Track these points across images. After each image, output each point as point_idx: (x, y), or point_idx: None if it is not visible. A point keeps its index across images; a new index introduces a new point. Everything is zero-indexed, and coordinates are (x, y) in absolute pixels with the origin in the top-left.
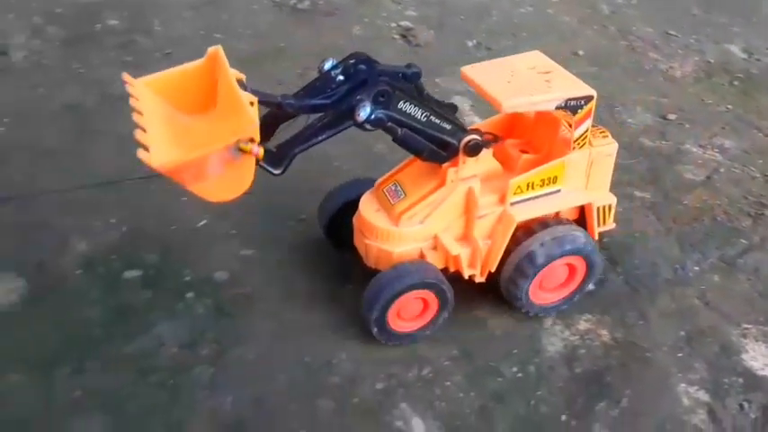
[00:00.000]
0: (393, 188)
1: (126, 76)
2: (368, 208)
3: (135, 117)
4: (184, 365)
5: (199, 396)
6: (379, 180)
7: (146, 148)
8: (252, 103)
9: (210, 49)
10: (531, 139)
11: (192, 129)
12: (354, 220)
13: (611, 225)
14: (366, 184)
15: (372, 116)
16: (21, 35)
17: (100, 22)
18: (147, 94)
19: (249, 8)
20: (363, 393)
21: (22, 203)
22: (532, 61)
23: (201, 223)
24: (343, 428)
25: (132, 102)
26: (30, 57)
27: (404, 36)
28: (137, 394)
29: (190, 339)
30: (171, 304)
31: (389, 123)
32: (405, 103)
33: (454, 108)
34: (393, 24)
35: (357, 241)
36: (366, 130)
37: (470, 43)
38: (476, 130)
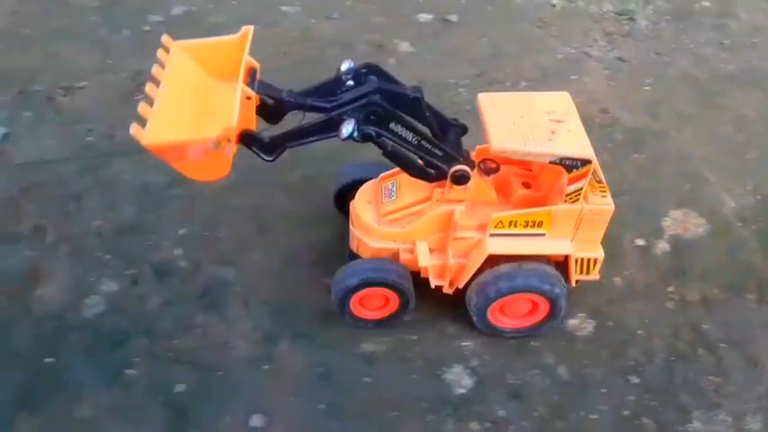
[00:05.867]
0: (390, 186)
1: (165, 38)
2: (362, 198)
3: (148, 87)
4: None
5: None
6: (385, 173)
7: (143, 123)
8: (249, 98)
9: (243, 28)
10: (538, 174)
11: (204, 102)
12: (351, 204)
13: (594, 276)
14: (381, 169)
15: (356, 134)
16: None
17: (697, 3)
18: (182, 57)
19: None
20: None
21: None
22: (553, 104)
23: None
24: None
25: (156, 70)
26: (650, 25)
27: None
28: None
29: None
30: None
31: (379, 139)
32: (396, 124)
33: (464, 129)
34: None
35: (350, 223)
36: (356, 141)
37: None
38: (469, 161)
